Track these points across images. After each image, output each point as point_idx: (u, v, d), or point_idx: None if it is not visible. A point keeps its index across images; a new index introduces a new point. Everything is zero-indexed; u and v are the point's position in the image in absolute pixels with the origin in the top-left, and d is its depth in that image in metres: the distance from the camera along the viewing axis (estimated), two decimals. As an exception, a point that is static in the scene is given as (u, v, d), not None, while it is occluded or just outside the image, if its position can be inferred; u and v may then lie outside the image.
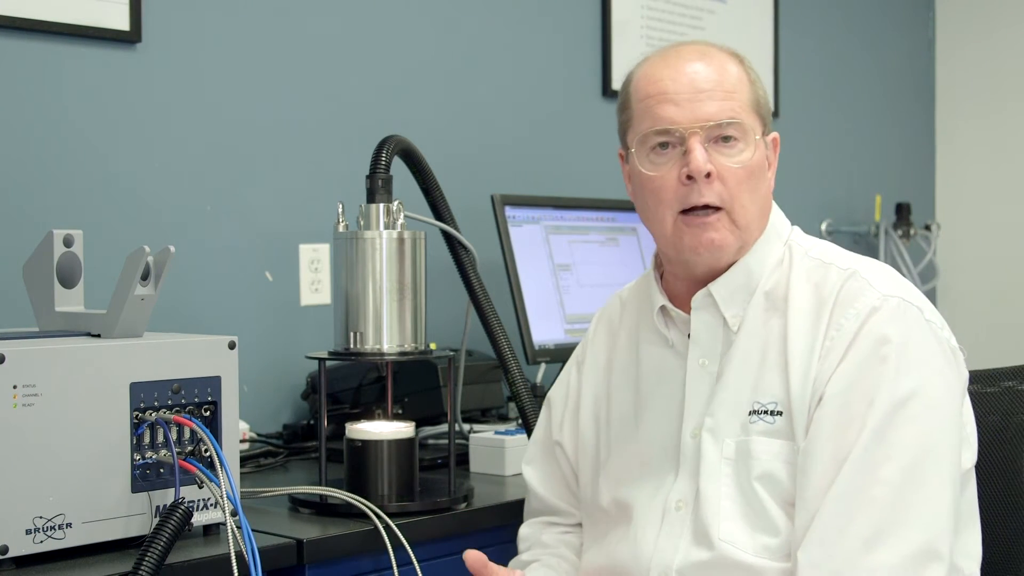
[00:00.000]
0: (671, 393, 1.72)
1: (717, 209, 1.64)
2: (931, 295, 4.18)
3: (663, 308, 1.75)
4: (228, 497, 1.62)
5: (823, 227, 3.87)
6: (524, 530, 1.91)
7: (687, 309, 1.72)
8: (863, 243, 3.99)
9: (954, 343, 1.63)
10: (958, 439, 1.59)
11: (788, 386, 1.60)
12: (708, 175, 1.63)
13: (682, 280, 1.73)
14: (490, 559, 1.75)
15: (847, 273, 1.64)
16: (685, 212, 1.65)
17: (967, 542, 1.65)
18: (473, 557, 1.67)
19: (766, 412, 1.62)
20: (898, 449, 1.52)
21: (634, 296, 1.86)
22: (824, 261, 1.67)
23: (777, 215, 1.74)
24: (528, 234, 2.72)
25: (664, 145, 1.66)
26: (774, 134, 1.74)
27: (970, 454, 1.64)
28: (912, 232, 3.99)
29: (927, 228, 4.15)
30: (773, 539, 1.58)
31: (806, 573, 1.51)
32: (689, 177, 1.63)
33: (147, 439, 1.67)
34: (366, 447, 1.96)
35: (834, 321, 1.60)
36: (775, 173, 1.75)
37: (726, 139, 1.65)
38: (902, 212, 4.00)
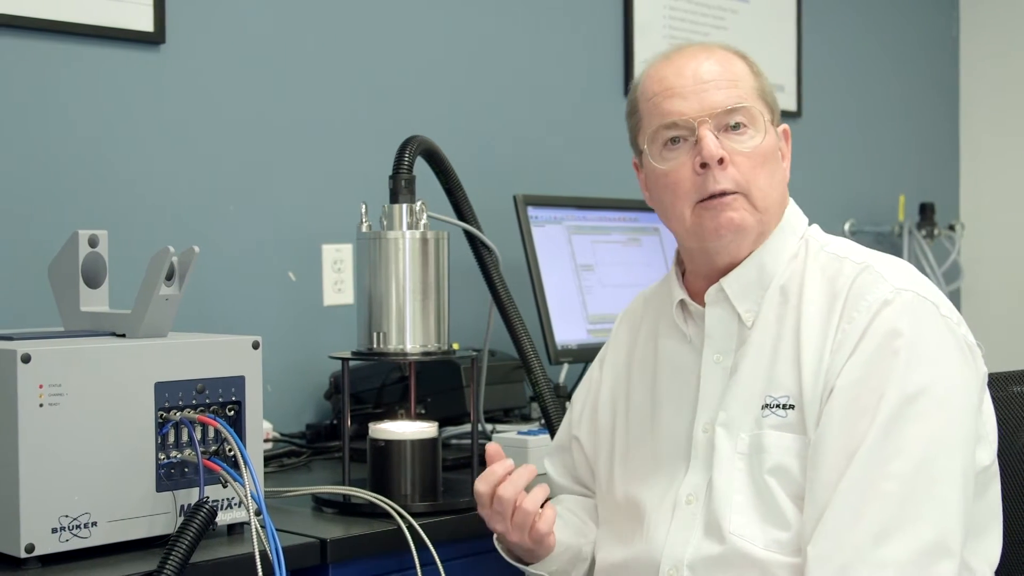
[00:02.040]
0: (685, 388, 1.73)
1: (734, 193, 1.66)
2: (955, 295, 4.16)
3: (682, 303, 1.77)
4: (252, 496, 1.62)
5: (846, 227, 3.86)
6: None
7: (704, 303, 1.73)
8: (886, 243, 3.97)
9: (971, 339, 1.62)
10: (972, 436, 1.57)
11: (800, 380, 1.60)
12: (721, 161, 1.64)
13: (702, 276, 1.74)
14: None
15: (861, 267, 1.64)
16: (702, 200, 1.66)
17: (988, 546, 1.64)
18: (491, 448, 1.77)
19: (778, 406, 1.62)
20: (909, 443, 1.51)
21: (656, 293, 1.88)
22: (839, 255, 1.68)
23: (793, 210, 1.75)
24: (550, 234, 2.72)
25: (675, 140, 1.68)
26: (783, 126, 1.75)
27: (988, 452, 1.62)
28: (936, 232, 3.97)
29: (951, 228, 4.12)
30: (784, 533, 1.58)
31: (815, 566, 1.51)
32: (703, 165, 1.65)
33: (171, 438, 1.67)
34: (389, 447, 1.96)
35: (846, 314, 1.59)
36: (790, 165, 1.76)
37: (736, 127, 1.67)
38: (926, 212, 3.98)
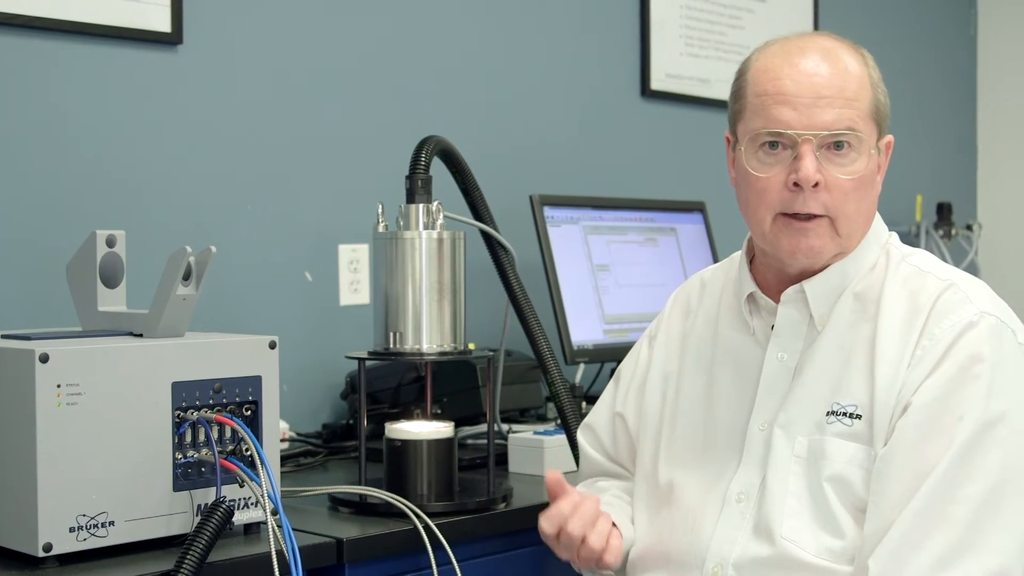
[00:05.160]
0: (744, 382, 1.71)
1: (820, 216, 1.62)
2: (973, 295, 4.14)
3: (751, 295, 1.73)
4: (269, 496, 1.63)
5: (863, 227, 3.84)
6: (579, 488, 1.86)
7: (775, 298, 1.70)
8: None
9: None
10: None
11: (872, 390, 1.58)
12: (815, 184, 1.60)
13: (773, 271, 1.71)
14: (529, 560, 1.75)
15: (945, 284, 1.61)
16: (786, 215, 1.62)
17: None
18: (552, 477, 1.70)
19: (845, 414, 1.60)
20: (982, 471, 1.50)
21: (719, 278, 1.84)
22: (922, 269, 1.65)
23: (877, 221, 1.72)
24: (567, 234, 2.71)
25: (774, 145, 1.62)
26: (888, 138, 1.71)
27: None
28: (953, 232, 3.96)
29: (968, 228, 4.11)
30: (837, 541, 1.57)
31: None
32: (796, 184, 1.60)
33: (188, 438, 1.68)
34: (405, 447, 1.96)
35: (928, 331, 1.57)
36: (883, 177, 1.71)
37: (838, 146, 1.61)
38: (943, 212, 3.97)
